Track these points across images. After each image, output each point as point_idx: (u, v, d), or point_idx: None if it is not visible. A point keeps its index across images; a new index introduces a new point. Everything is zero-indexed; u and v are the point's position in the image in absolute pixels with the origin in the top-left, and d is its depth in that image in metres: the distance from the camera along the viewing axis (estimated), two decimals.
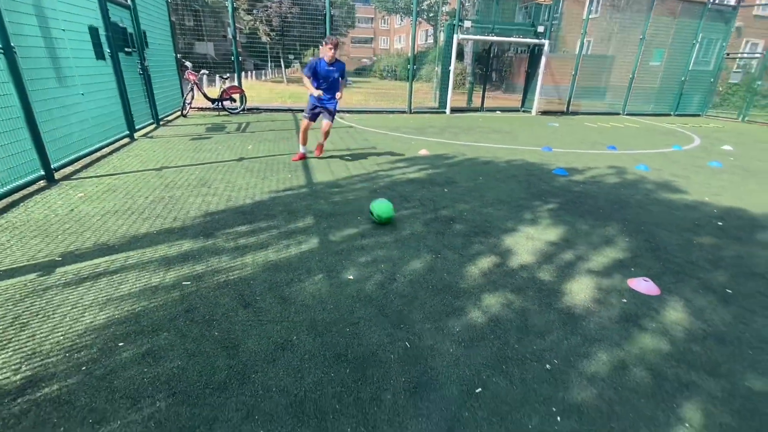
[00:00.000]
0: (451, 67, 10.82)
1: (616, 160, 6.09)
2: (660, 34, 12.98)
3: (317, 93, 4.70)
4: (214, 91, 9.67)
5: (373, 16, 54.57)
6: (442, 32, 11.87)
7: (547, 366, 1.72)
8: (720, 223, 3.58)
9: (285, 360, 1.68)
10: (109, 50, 5.25)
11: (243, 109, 9.41)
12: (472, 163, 5.48)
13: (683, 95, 13.66)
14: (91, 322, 1.85)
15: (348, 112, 10.77)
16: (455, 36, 10.44)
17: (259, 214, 3.28)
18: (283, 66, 24.93)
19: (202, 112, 9.29)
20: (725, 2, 14.60)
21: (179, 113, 8.54)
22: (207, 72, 9.12)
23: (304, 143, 5.23)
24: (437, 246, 2.85)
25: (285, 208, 3.44)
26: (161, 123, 7.43)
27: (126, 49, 5.90)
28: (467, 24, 10.47)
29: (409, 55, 10.78)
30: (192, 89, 8.42)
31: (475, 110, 12.66)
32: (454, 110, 12.09)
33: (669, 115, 13.68)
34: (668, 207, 3.97)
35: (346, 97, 15.07)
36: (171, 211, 3.27)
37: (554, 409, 1.50)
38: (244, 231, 2.93)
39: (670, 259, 2.83)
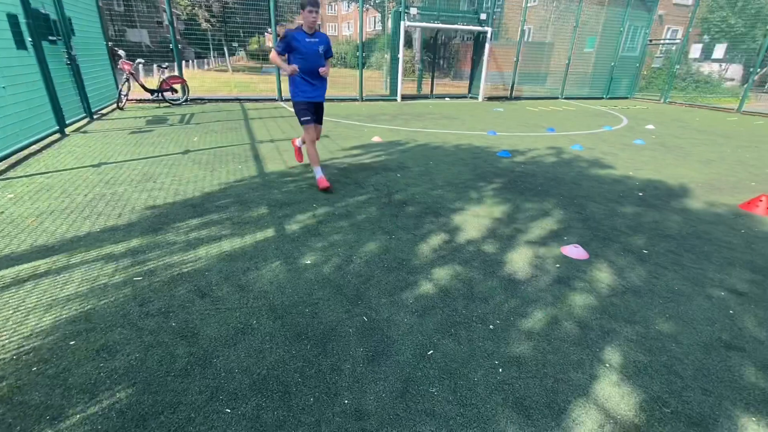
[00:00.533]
0: (400, 55, 10.91)
1: (555, 141, 6.55)
2: (591, 22, 13.88)
3: (291, 68, 3.43)
4: (153, 82, 9.08)
5: (319, 1, 53.09)
6: (389, 19, 11.91)
7: (491, 326, 1.91)
8: (640, 194, 4.02)
9: (246, 343, 1.73)
10: (30, 39, 4.78)
11: (186, 100, 8.94)
12: (423, 149, 5.65)
13: (613, 79, 14.78)
14: (37, 324, 1.77)
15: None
16: (402, 23, 10.52)
17: (210, 206, 3.22)
18: (227, 54, 23.70)
19: (140, 104, 8.71)
20: None
21: (115, 106, 7.95)
22: (143, 61, 8.52)
23: (318, 161, 3.79)
24: (391, 228, 2.98)
25: (237, 199, 3.40)
26: (95, 117, 6.90)
27: (50, 38, 5.39)
28: (413, 11, 10.57)
29: (352, 41, 10.72)
30: (127, 80, 7.86)
31: (425, 97, 12.90)
32: (405, 97, 12.24)
33: (601, 98, 14.76)
34: (598, 182, 4.38)
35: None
36: (114, 208, 3.12)
37: (497, 362, 1.69)
38: (195, 224, 2.88)
39: (597, 228, 3.16)
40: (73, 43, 6.10)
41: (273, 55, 3.56)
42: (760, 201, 3.66)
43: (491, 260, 2.55)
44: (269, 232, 2.80)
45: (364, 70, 11.08)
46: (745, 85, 12.39)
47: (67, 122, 5.68)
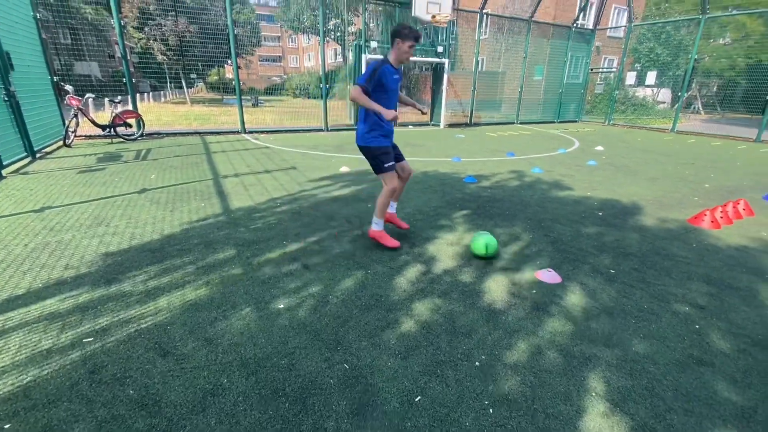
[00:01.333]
0: None
1: (515, 165, 6.83)
2: (538, 53, 14.97)
3: (392, 114, 2.78)
4: (105, 116, 8.67)
5: (279, 34, 54.08)
6: (350, 52, 12.24)
7: (477, 363, 1.86)
8: (600, 214, 4.23)
9: (216, 406, 1.57)
10: None
11: (141, 135, 8.58)
12: None
13: (562, 104, 15.86)
14: None
15: (262, 132, 10.45)
16: (363, 56, 10.83)
17: (171, 250, 3.01)
18: (185, 86, 23.28)
19: (91, 141, 8.25)
20: (585, 26, 17.40)
21: (61, 143, 7.47)
22: (93, 96, 8.14)
23: (383, 216, 3.18)
24: (366, 261, 2.91)
25: (201, 240, 3.22)
26: (38, 156, 6.43)
27: None
28: (374, 44, 10.94)
29: (315, 72, 10.89)
30: (75, 116, 7.45)
31: None
32: None
33: (553, 122, 15.75)
34: (560, 203, 4.56)
35: (258, 117, 14.65)
36: (60, 258, 2.84)
37: (486, 402, 1.63)
38: (154, 271, 2.67)
39: (566, 249, 3.26)
40: (12, 78, 5.73)
41: (357, 92, 2.78)
42: (705, 216, 3.94)
43: (470, 290, 2.54)
44: (237, 276, 2.65)
45: (328, 101, 11.20)
46: (676, 107, 13.70)
47: (4, 163, 5.24)
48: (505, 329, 2.14)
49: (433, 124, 13.67)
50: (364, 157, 3.15)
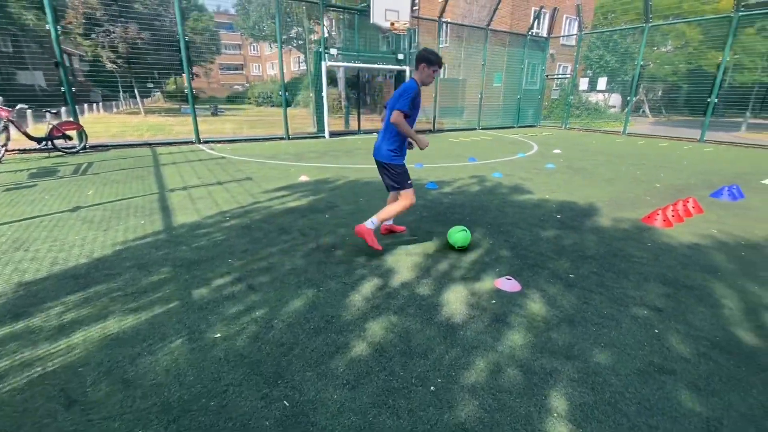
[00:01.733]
0: (324, 93, 10.97)
1: (477, 170, 6.85)
2: (497, 60, 15.38)
3: (427, 142, 3.04)
4: (43, 129, 7.98)
5: (240, 42, 52.99)
6: (311, 59, 12.03)
7: (432, 388, 1.71)
8: (558, 216, 4.24)
9: None
10: None
11: (83, 148, 7.95)
12: (353, 186, 5.52)
13: (521, 110, 16.35)
14: None
15: (218, 141, 10.00)
16: (323, 63, 10.66)
17: (98, 275, 2.68)
18: (138, 96, 22.16)
19: (24, 155, 7.55)
20: (539, 34, 18.12)
21: None
22: (25, 106, 7.45)
23: (383, 222, 3.28)
24: (319, 278, 2.71)
25: (135, 262, 2.90)
26: None
27: None
28: (334, 52, 10.79)
29: (281, 81, 10.61)
30: (6, 128, 6.78)
31: (354, 133, 13.04)
32: (333, 134, 12.25)
33: (513, 127, 16.19)
34: (520, 207, 4.55)
35: (217, 126, 14.10)
36: None
37: None
38: (74, 301, 2.34)
39: (526, 255, 3.19)
40: None
41: (400, 118, 2.83)
42: (657, 215, 4.03)
43: (427, 304, 2.39)
44: (171, 302, 2.37)
45: (292, 109, 10.92)
46: (626, 111, 14.44)
47: None
48: (464, 346, 2.00)
49: None
50: (379, 170, 3.31)
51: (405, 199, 3.15)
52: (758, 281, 2.80)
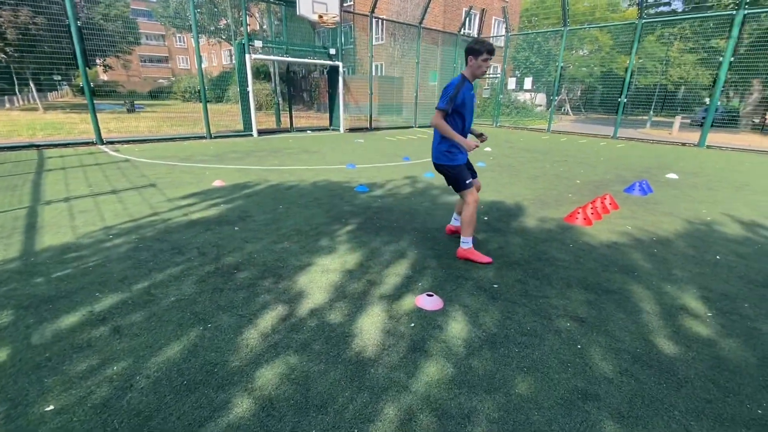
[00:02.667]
0: (249, 88, 10.19)
1: (410, 170, 6.67)
2: (431, 58, 15.49)
3: (473, 145, 2.78)
4: None
5: (164, 32, 48.72)
6: (235, 52, 11.13)
7: None
8: (486, 218, 4.14)
9: None
10: None
11: None
12: (275, 190, 5.03)
13: None
14: None
15: (126, 142, 8.85)
16: (247, 56, 9.88)
17: None
18: (33, 90, 19.28)
19: None
20: (470, 34, 18.62)
21: None
22: None
23: (470, 234, 3.07)
24: (209, 311, 2.25)
25: None
26: None
27: None
28: (257, 44, 10.05)
29: (207, 74, 9.64)
30: None
31: (286, 131, 12.36)
32: (263, 132, 11.49)
33: None
34: (449, 210, 4.40)
35: (130, 124, 12.60)
36: None
37: None
38: None
39: (450, 264, 2.99)
40: None
41: (438, 118, 2.77)
42: (578, 214, 4.08)
43: (337, 336, 2.05)
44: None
45: (222, 105, 9.98)
46: (550, 109, 15.31)
47: None
48: (373, 389, 1.69)
49: (332, 129, 13.20)
50: (441, 175, 3.10)
51: (468, 201, 3.00)
52: (671, 280, 2.84)
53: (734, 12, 10.25)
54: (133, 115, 17.45)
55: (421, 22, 13.83)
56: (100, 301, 2.31)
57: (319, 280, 2.67)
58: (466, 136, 2.97)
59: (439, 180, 5.90)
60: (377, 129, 13.91)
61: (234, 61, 10.68)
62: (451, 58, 15.85)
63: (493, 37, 22.36)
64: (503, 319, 2.26)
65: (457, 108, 2.81)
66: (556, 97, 14.69)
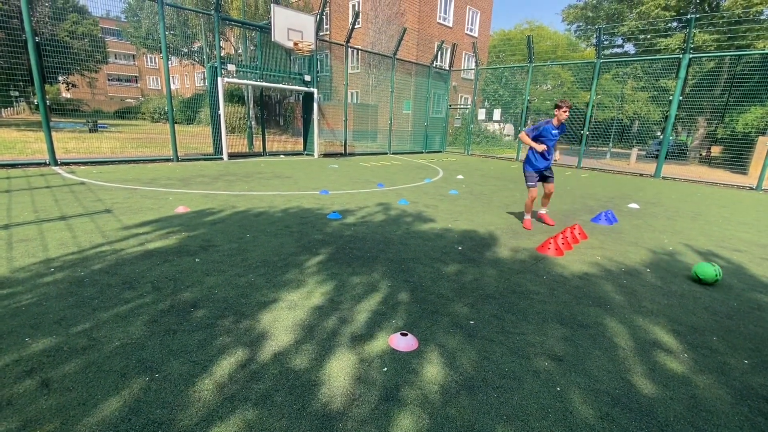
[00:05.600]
0: (221, 111, 10.00)
1: (384, 196, 6.63)
2: (405, 88, 15.92)
3: (542, 147, 4.68)
4: None
5: (134, 52, 47.87)
6: (207, 74, 10.98)
7: None
8: (460, 248, 4.09)
9: None
10: None
11: None
12: (242, 217, 4.81)
13: (428, 136, 17.07)
14: None
15: (84, 163, 8.37)
16: (219, 79, 9.75)
17: None
18: None
19: None
20: (442, 67, 19.36)
21: None
22: None
23: (530, 211, 5.10)
24: (159, 358, 2.01)
25: None
26: None
27: None
28: (230, 67, 9.96)
29: (179, 95, 9.38)
30: None
31: (258, 155, 12.15)
32: (234, 156, 11.24)
33: (422, 152, 16.78)
34: (422, 239, 4.33)
35: (92, 144, 11.99)
36: None
37: None
38: None
39: (425, 298, 2.88)
40: None
41: (523, 135, 4.84)
42: (550, 244, 4.12)
43: (302, 385, 1.87)
44: None
45: (194, 127, 9.69)
46: (517, 140, 15.93)
47: None
48: None
49: (307, 154, 13.11)
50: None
51: (530, 195, 4.98)
52: (642, 313, 2.85)
53: (681, 55, 11.20)
54: (96, 134, 16.70)
55: (395, 54, 14.26)
56: (28, 348, 2.02)
57: (284, 318, 2.48)
58: (546, 153, 4.91)
59: (414, 206, 5.88)
60: (352, 155, 13.95)
61: (206, 84, 10.51)
62: (424, 89, 16.34)
63: (463, 70, 23.37)
64: (481, 360, 2.16)
65: (538, 138, 4.81)
66: (523, 128, 15.36)
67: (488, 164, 13.53)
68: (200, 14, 17.53)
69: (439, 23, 23.74)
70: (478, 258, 3.83)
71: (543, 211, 5.36)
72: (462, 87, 25.20)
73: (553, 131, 4.76)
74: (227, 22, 11.41)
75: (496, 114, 17.45)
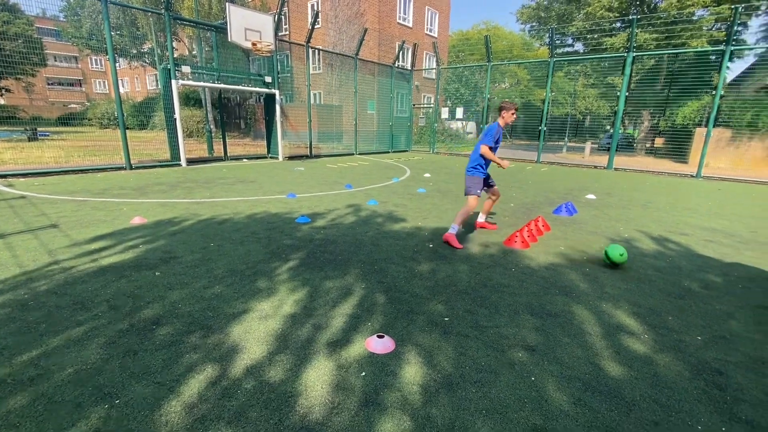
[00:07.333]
0: (176, 115, 9.54)
1: (352, 198, 6.58)
2: (368, 88, 15.89)
3: (507, 163, 4.39)
4: None
5: (77, 54, 44.75)
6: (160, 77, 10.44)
7: None
8: (431, 245, 4.13)
9: None
10: None
11: None
12: (205, 226, 4.60)
13: (394, 136, 17.16)
14: None
15: (24, 175, 7.71)
16: (173, 81, 9.29)
17: None
18: None
19: None
20: (405, 67, 19.52)
21: None
22: None
23: (460, 223, 4.22)
24: (119, 382, 1.87)
25: None
26: None
27: None
28: (185, 69, 9.53)
29: (130, 99, 8.82)
30: None
31: (219, 160, 11.71)
32: (193, 161, 10.78)
33: (388, 152, 16.84)
34: (394, 239, 4.33)
35: (32, 154, 11.07)
36: None
37: None
38: None
39: (399, 298, 2.87)
40: None
41: (486, 150, 4.20)
42: (516, 237, 4.24)
43: (278, 398, 1.80)
44: None
45: (148, 132, 9.15)
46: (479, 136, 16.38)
47: None
48: None
49: (271, 157, 12.79)
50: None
51: (466, 204, 4.32)
52: (606, 298, 2.99)
53: (625, 54, 11.93)
54: (36, 143, 15.45)
55: (357, 54, 14.20)
56: None
57: (256, 329, 2.39)
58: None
59: (384, 207, 5.87)
60: (318, 156, 13.76)
61: (159, 87, 9.98)
62: (388, 89, 16.40)
63: (425, 69, 23.68)
64: (457, 356, 2.17)
65: (495, 144, 4.31)
66: (485, 126, 15.77)
67: (454, 161, 13.79)
68: (149, 13, 16.67)
69: (399, 23, 23.92)
70: (449, 255, 3.88)
71: (484, 219, 4.91)
72: (425, 86, 25.54)
73: (502, 131, 4.42)
74: (179, 21, 10.90)
75: (459, 112, 17.83)
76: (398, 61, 18.25)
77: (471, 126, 23.97)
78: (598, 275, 3.46)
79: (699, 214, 6.19)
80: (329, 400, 1.80)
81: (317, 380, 1.93)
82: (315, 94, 21.99)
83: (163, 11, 9.17)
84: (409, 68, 17.74)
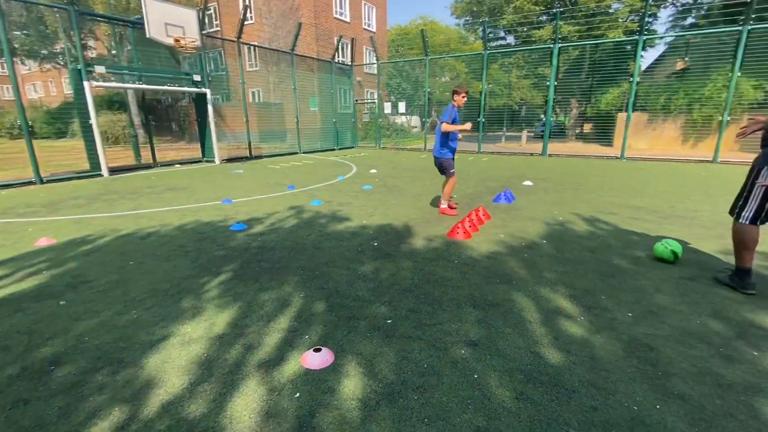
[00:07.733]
0: (92, 120, 8.60)
1: (295, 199, 6.30)
2: (308, 85, 15.44)
3: (470, 126, 4.94)
4: None
5: None
6: (70, 79, 9.32)
7: None
8: (375, 244, 4.02)
9: None
10: None
11: None
12: (125, 242, 4.14)
13: (339, 133, 16.89)
14: None
15: None
16: (86, 83, 8.35)
17: None
18: None
19: None
20: (345, 62, 19.23)
21: None
22: None
23: (448, 198, 5.28)
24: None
25: None
26: None
27: None
28: (100, 69, 8.60)
29: (45, 105, 7.72)
30: None
31: (148, 167, 10.77)
32: (117, 171, 9.81)
33: (334, 149, 16.54)
34: (338, 240, 4.17)
35: None
36: None
37: None
38: None
39: (341, 303, 2.73)
40: None
41: (447, 125, 4.87)
42: (458, 228, 4.26)
43: None
44: None
45: (66, 141, 8.09)
46: (424, 130, 16.59)
47: None
48: None
49: (206, 161, 12.01)
50: (435, 163, 5.33)
51: (450, 180, 5.19)
52: (543, 283, 3.06)
53: (552, 45, 12.61)
54: None
55: (293, 49, 13.72)
56: None
57: (177, 357, 2.13)
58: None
59: (328, 206, 5.67)
60: (259, 157, 13.16)
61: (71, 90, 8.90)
62: (329, 85, 16.06)
63: (365, 64, 23.55)
64: (399, 361, 2.08)
65: (454, 122, 4.95)
66: (428, 119, 16.00)
67: (400, 156, 13.84)
68: (54, 9, 14.89)
69: (336, 18, 23.52)
70: (393, 252, 3.79)
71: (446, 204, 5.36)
72: (367, 82, 25.41)
73: (457, 112, 5.06)
74: (88, 17, 9.81)
75: (402, 107, 17.93)
76: (338, 56, 17.92)
77: (415, 120, 24.29)
78: (536, 260, 3.56)
79: (624, 194, 6.67)
80: (257, 431, 1.61)
81: (245, 409, 1.73)
82: (254, 92, 21.04)
83: (67, 6, 8.17)
84: (349, 63, 17.51)
